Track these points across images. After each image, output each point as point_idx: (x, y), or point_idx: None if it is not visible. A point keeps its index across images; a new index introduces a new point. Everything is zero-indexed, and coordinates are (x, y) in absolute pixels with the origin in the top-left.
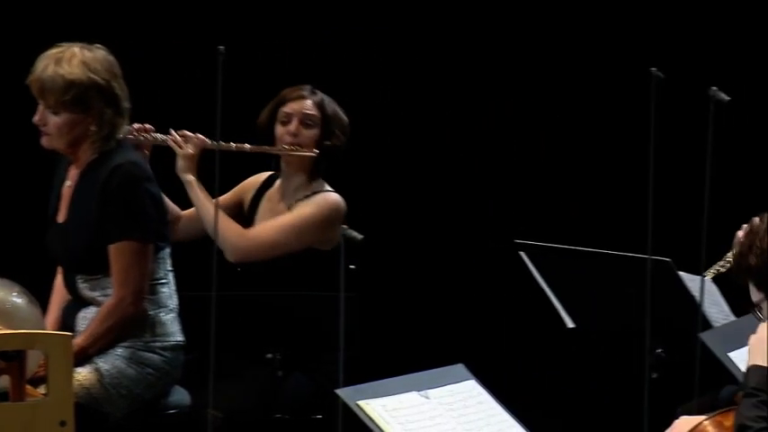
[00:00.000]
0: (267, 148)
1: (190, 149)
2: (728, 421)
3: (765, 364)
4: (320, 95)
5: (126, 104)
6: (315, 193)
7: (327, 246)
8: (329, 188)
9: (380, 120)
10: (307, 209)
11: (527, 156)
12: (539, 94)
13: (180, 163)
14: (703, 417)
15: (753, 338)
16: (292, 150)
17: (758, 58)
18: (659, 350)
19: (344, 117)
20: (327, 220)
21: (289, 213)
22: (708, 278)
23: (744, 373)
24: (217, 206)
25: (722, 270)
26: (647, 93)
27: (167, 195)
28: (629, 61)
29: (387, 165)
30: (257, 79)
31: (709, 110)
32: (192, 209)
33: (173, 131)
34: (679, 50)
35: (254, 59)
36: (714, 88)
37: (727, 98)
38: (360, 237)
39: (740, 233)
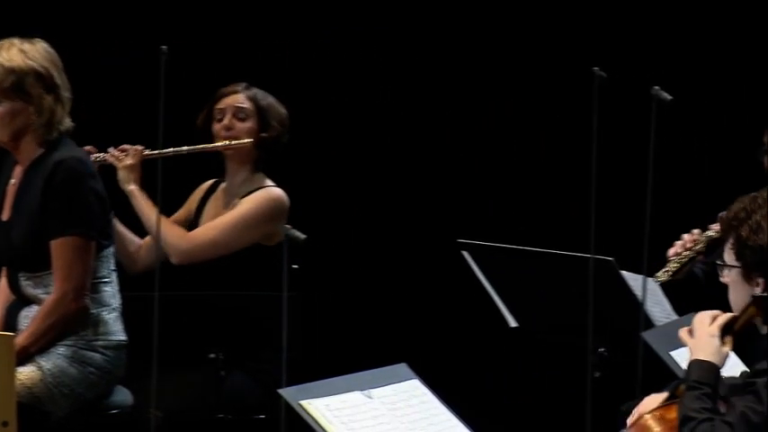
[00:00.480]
0: (202, 146)
1: (129, 160)
2: (670, 414)
3: (707, 359)
4: (254, 90)
5: (66, 94)
6: (257, 188)
7: (271, 241)
8: (271, 183)
9: (326, 119)
10: (246, 205)
11: (470, 155)
12: (482, 93)
13: (121, 174)
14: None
15: (685, 332)
16: (228, 144)
17: (700, 58)
18: (602, 349)
19: (282, 109)
20: (268, 215)
21: (229, 212)
22: (651, 279)
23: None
24: (159, 210)
25: (672, 272)
26: (589, 92)
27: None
28: (572, 61)
29: (330, 164)
30: (205, 80)
31: (652, 109)
32: (148, 237)
33: (111, 149)
34: (621, 50)
35: (197, 59)
36: (656, 87)
37: (670, 97)
38: (302, 236)
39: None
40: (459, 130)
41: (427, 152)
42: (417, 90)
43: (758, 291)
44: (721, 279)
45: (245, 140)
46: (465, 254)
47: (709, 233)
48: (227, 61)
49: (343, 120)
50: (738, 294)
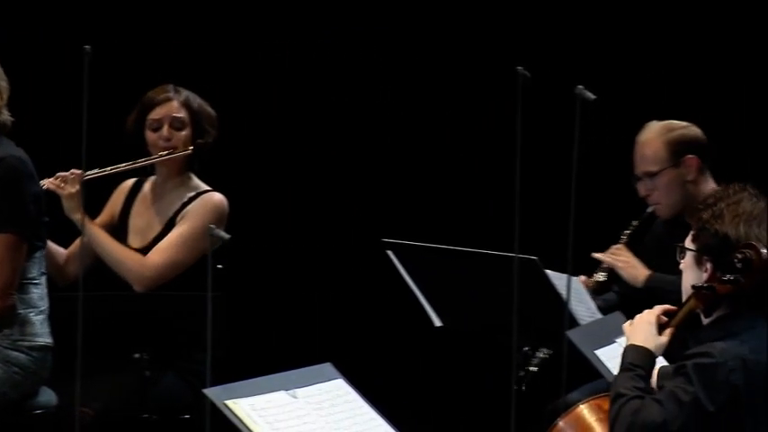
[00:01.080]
0: (143, 160)
1: (70, 188)
2: (606, 404)
3: (642, 344)
4: (184, 93)
5: (3, 83)
6: (197, 194)
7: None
8: (206, 187)
9: (246, 118)
10: (194, 219)
11: (394, 154)
12: (406, 92)
13: (66, 204)
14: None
15: (628, 324)
16: (169, 155)
17: (623, 57)
18: (526, 348)
19: (211, 111)
20: (215, 224)
21: (179, 228)
22: (575, 278)
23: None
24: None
25: (602, 278)
26: (513, 91)
27: None
28: (496, 60)
29: (253, 163)
30: (127, 80)
31: (576, 108)
32: (72, 245)
33: (47, 180)
34: (545, 49)
35: (122, 59)
36: (580, 87)
37: (593, 97)
38: (227, 236)
39: None
40: (383, 129)
41: (351, 151)
42: (340, 89)
43: (705, 276)
44: (680, 263)
45: (185, 151)
46: (389, 253)
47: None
48: (143, 60)
49: (264, 119)
50: (689, 279)
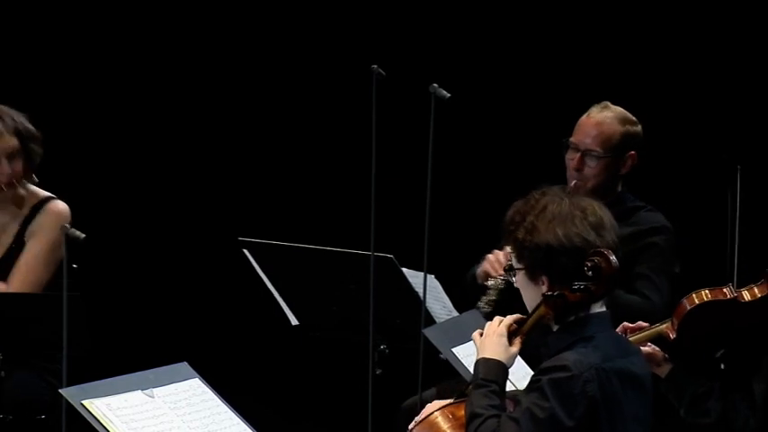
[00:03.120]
0: None
1: None
2: (460, 411)
3: (493, 357)
4: (7, 116)
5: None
6: (41, 203)
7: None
8: (46, 193)
9: (107, 119)
10: (45, 235)
11: (250, 153)
12: (262, 90)
13: None
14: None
15: (477, 334)
16: (12, 186)
17: (477, 56)
18: (383, 346)
19: (31, 126)
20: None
21: (31, 247)
22: (431, 275)
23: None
24: None
25: (493, 301)
26: (368, 89)
27: None
28: (351, 58)
29: (109, 163)
30: None
31: (431, 107)
32: None
33: None
34: (400, 48)
35: None
36: (434, 85)
37: (448, 95)
38: (82, 236)
39: None
40: (238, 128)
41: (207, 150)
42: (195, 89)
43: (544, 288)
44: (514, 284)
45: (26, 179)
46: (246, 252)
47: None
48: None
49: (122, 120)
50: (529, 296)
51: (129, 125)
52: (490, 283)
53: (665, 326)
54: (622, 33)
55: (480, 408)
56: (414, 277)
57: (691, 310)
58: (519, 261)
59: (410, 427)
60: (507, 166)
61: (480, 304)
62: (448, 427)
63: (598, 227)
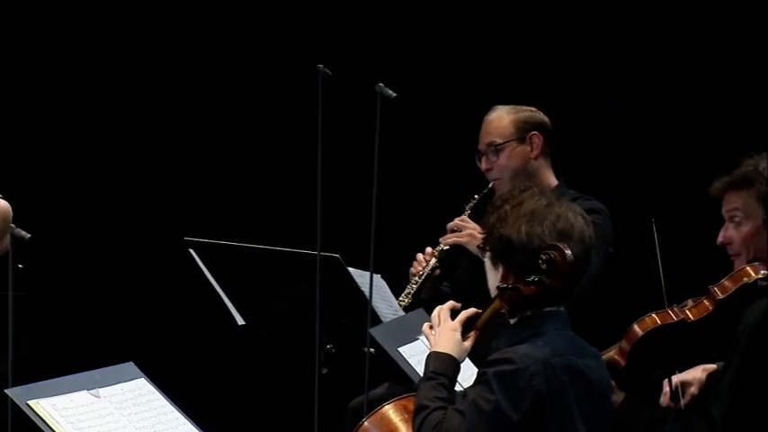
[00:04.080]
0: None
1: None
2: (412, 405)
3: (445, 351)
4: None
5: None
6: None
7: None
8: None
9: (50, 119)
10: None
11: (196, 153)
12: (208, 90)
13: None
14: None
15: (427, 327)
16: None
17: (423, 56)
18: (329, 346)
19: None
20: (2, 230)
21: None
22: (378, 275)
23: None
24: None
25: (413, 294)
26: (314, 89)
27: None
28: (296, 58)
29: (54, 163)
30: None
31: (377, 106)
32: None
33: None
34: (345, 47)
35: None
36: (380, 85)
37: (394, 95)
38: (27, 235)
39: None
40: (185, 128)
41: (153, 150)
42: (140, 88)
43: (500, 278)
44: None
45: None
46: (192, 251)
47: (440, 247)
48: None
49: (67, 119)
50: (491, 279)
51: (75, 124)
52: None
53: (613, 352)
54: (562, 36)
55: (427, 400)
56: (360, 277)
57: (643, 335)
58: (485, 243)
59: (363, 421)
60: (453, 165)
61: (400, 297)
62: (399, 420)
63: (564, 235)
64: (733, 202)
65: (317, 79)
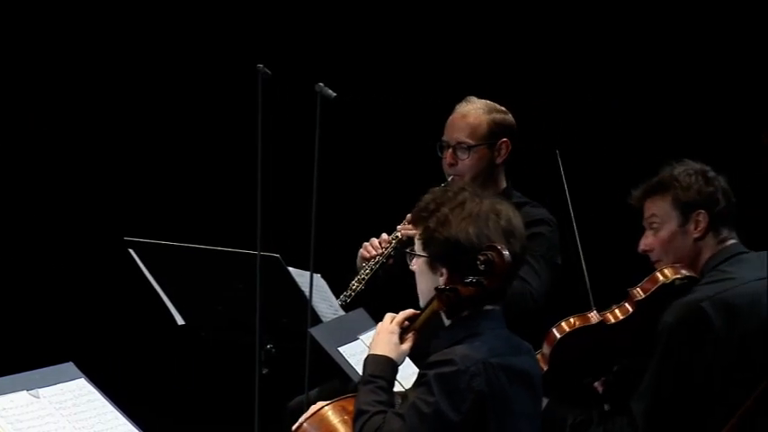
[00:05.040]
0: None
1: None
2: (351, 406)
3: (383, 353)
4: None
5: None
6: None
7: None
8: None
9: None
10: None
11: (136, 152)
12: (148, 89)
13: None
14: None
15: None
16: None
17: (363, 56)
18: (269, 346)
19: None
20: None
21: None
22: (318, 274)
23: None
24: None
25: (364, 280)
26: (254, 89)
27: None
28: (236, 58)
29: None
30: None
31: (317, 106)
32: None
33: None
34: (286, 47)
35: None
36: (320, 84)
37: (334, 94)
38: None
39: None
40: (126, 128)
41: (94, 150)
42: (80, 86)
43: (442, 280)
44: (411, 267)
45: None
46: (131, 251)
47: (396, 234)
48: None
49: (3, 118)
50: (424, 283)
51: (12, 123)
52: (364, 259)
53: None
54: (499, 31)
55: (366, 404)
56: (300, 276)
57: (561, 339)
58: (424, 249)
59: (300, 421)
60: (393, 165)
61: (352, 283)
62: (338, 422)
63: (509, 234)
64: (650, 210)
65: (257, 79)
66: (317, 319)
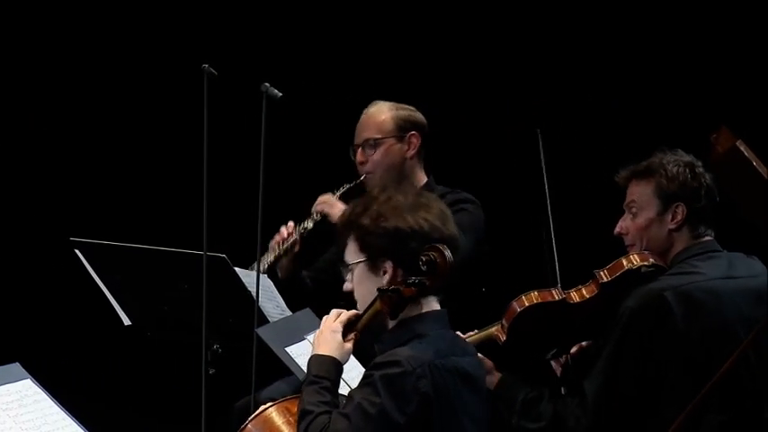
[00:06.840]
0: None
1: None
2: (295, 407)
3: (327, 354)
4: None
5: None
6: None
7: None
8: None
9: None
10: None
11: (82, 152)
12: (94, 88)
13: None
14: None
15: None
16: None
17: (309, 55)
18: (216, 346)
19: None
20: None
21: None
22: (264, 274)
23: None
24: None
25: (270, 263)
26: (200, 89)
27: None
28: (181, 57)
29: None
30: None
31: (263, 106)
32: None
33: None
34: (231, 47)
35: None
36: (266, 84)
37: (280, 94)
38: None
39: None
40: (70, 128)
41: (38, 150)
42: (23, 86)
43: (385, 279)
44: (345, 287)
45: None
46: (77, 252)
47: (305, 224)
48: None
49: None
50: (365, 291)
51: None
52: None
53: (494, 328)
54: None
55: (311, 405)
56: (246, 276)
57: (521, 311)
58: (361, 250)
59: (246, 423)
60: (340, 165)
61: (252, 264)
62: (282, 423)
63: (443, 218)
64: (632, 194)
65: (203, 79)
66: (263, 319)
